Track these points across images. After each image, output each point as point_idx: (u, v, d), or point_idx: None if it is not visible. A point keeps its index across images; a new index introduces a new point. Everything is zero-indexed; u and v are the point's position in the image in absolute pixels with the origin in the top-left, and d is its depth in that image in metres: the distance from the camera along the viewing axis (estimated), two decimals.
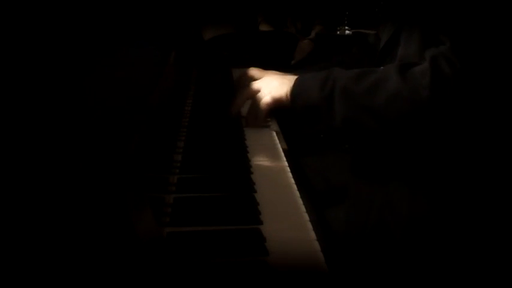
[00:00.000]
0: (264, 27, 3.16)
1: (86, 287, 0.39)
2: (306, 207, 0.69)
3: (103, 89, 0.55)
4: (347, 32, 3.07)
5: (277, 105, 0.96)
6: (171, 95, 0.92)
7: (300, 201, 0.71)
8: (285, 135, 1.02)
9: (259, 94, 0.98)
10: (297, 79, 0.95)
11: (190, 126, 0.99)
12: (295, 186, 0.75)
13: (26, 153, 0.37)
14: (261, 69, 1.21)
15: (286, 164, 0.84)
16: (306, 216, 0.66)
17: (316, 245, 0.60)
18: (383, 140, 0.90)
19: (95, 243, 0.40)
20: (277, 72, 1.21)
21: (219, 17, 2.59)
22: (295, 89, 0.93)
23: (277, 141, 0.95)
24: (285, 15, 3.19)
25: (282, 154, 0.88)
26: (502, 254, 0.79)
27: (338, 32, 3.08)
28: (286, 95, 0.94)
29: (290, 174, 0.80)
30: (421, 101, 0.80)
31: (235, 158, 0.85)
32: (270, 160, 0.84)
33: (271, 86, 0.97)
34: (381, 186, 0.88)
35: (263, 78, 1.02)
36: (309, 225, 0.64)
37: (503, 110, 0.81)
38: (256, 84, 1.00)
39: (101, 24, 0.58)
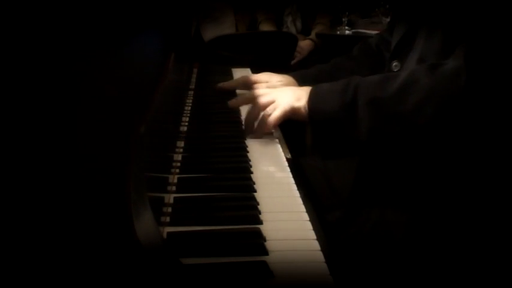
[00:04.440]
0: (264, 27, 3.16)
1: (85, 287, 0.39)
2: (306, 207, 0.69)
3: (103, 89, 0.55)
4: (347, 32, 3.06)
5: (291, 118, 0.91)
6: (171, 95, 0.92)
7: (300, 201, 0.71)
8: (285, 135, 1.02)
9: (271, 106, 0.92)
10: (313, 90, 0.90)
11: (190, 126, 0.99)
12: (295, 187, 0.76)
13: (25, 153, 0.37)
14: (269, 74, 1.21)
15: (286, 164, 0.84)
16: (306, 216, 0.66)
17: (316, 245, 0.60)
18: (402, 145, 0.86)
19: (95, 244, 0.40)
20: (274, 74, 1.21)
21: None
22: (313, 101, 0.88)
23: (278, 141, 0.95)
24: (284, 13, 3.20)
25: (283, 154, 0.88)
26: (503, 254, 0.79)
27: (338, 32, 3.08)
28: (304, 108, 0.88)
29: (290, 174, 0.80)
30: (456, 101, 0.77)
31: (235, 158, 0.85)
32: (270, 160, 0.84)
33: (286, 98, 0.91)
34: (382, 187, 0.88)
35: (276, 91, 0.96)
36: (309, 225, 0.64)
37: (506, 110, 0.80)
38: (268, 96, 0.94)
39: (101, 24, 0.58)
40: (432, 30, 0.91)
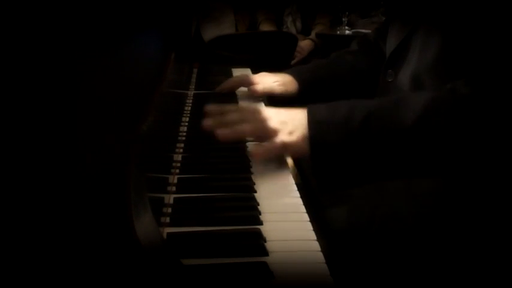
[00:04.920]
0: (264, 27, 3.16)
1: (85, 287, 0.39)
2: (306, 207, 0.69)
3: (103, 89, 0.55)
4: (347, 32, 3.07)
5: (291, 152, 0.82)
6: (171, 95, 0.92)
7: (300, 201, 0.70)
8: None
9: (276, 134, 0.79)
10: (310, 119, 0.78)
11: (190, 126, 0.99)
12: (295, 187, 0.75)
13: (25, 154, 0.37)
14: (265, 74, 1.20)
15: (286, 163, 0.84)
16: (306, 216, 0.66)
17: (316, 245, 0.60)
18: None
19: (95, 244, 0.40)
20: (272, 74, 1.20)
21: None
22: (314, 134, 0.77)
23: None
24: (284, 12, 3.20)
25: (283, 154, 0.88)
26: (507, 258, 0.78)
27: (338, 32, 3.08)
28: (303, 140, 0.78)
29: (290, 175, 0.80)
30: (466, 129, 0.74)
31: (235, 158, 0.85)
32: (271, 160, 0.84)
33: (281, 128, 0.79)
34: (385, 189, 0.88)
35: (270, 115, 0.82)
36: (309, 225, 0.64)
37: None
38: (273, 123, 0.80)
39: (101, 24, 0.58)
40: (427, 37, 0.90)
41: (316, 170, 0.76)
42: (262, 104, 1.15)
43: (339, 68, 1.23)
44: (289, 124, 0.79)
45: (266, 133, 0.80)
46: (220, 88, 1.24)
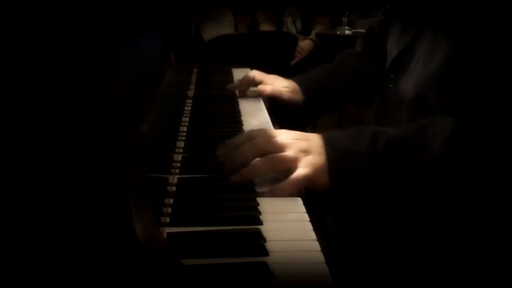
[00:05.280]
0: (264, 27, 3.16)
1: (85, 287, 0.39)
2: (306, 208, 0.69)
3: (103, 88, 0.55)
4: (347, 32, 3.07)
5: (310, 186, 0.73)
6: (171, 95, 0.92)
7: (300, 202, 0.70)
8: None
9: (296, 165, 0.72)
10: (329, 151, 0.72)
11: (190, 126, 0.99)
12: None
13: (25, 154, 0.37)
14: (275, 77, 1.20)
15: None
16: (306, 216, 0.66)
17: (317, 246, 0.60)
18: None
19: (95, 244, 0.40)
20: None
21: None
22: (336, 168, 0.70)
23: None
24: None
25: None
26: (507, 266, 0.77)
27: (338, 32, 3.08)
28: (324, 174, 0.71)
29: None
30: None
31: None
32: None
33: (299, 159, 0.72)
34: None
35: (284, 145, 0.73)
36: (309, 225, 0.64)
37: None
38: (292, 152, 0.72)
39: (101, 24, 0.58)
40: (431, 51, 0.85)
41: (334, 206, 0.71)
42: (263, 107, 1.15)
43: (344, 75, 1.21)
44: (308, 152, 0.72)
45: (286, 165, 0.72)
46: (234, 86, 1.24)
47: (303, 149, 0.72)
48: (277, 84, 1.18)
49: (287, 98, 1.17)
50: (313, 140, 0.74)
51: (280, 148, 0.73)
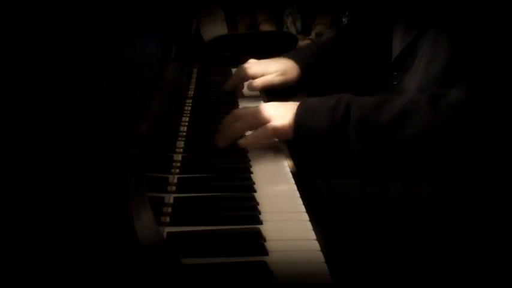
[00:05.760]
0: (264, 28, 3.16)
1: (85, 287, 0.39)
2: (305, 207, 0.69)
3: (103, 88, 0.55)
4: None
5: (279, 136, 0.85)
6: (171, 95, 0.92)
7: (300, 201, 0.71)
8: None
9: (269, 121, 0.83)
10: (300, 106, 0.81)
11: (190, 126, 0.99)
12: (295, 187, 0.75)
13: (26, 153, 0.37)
14: (265, 62, 1.18)
15: (286, 163, 0.84)
16: (306, 216, 0.66)
17: (316, 245, 0.60)
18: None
19: (95, 244, 0.40)
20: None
21: None
22: (301, 118, 0.80)
23: (278, 141, 0.95)
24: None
25: (283, 153, 0.88)
26: (507, 260, 0.77)
27: None
28: (289, 126, 0.80)
29: (290, 174, 0.80)
30: (457, 138, 0.72)
31: (235, 158, 0.85)
32: (271, 160, 0.84)
33: (273, 114, 0.83)
34: (387, 195, 0.87)
35: (263, 107, 0.86)
36: (309, 225, 0.64)
37: None
38: (266, 113, 0.84)
39: (101, 23, 0.58)
40: (434, 50, 0.86)
41: (300, 154, 0.81)
42: (261, 102, 1.14)
43: (340, 50, 1.22)
44: (280, 110, 0.83)
45: (259, 123, 0.83)
46: (229, 86, 1.23)
47: (277, 108, 0.84)
48: (266, 71, 1.17)
49: (279, 82, 1.17)
50: (291, 103, 0.83)
51: (259, 111, 0.84)
